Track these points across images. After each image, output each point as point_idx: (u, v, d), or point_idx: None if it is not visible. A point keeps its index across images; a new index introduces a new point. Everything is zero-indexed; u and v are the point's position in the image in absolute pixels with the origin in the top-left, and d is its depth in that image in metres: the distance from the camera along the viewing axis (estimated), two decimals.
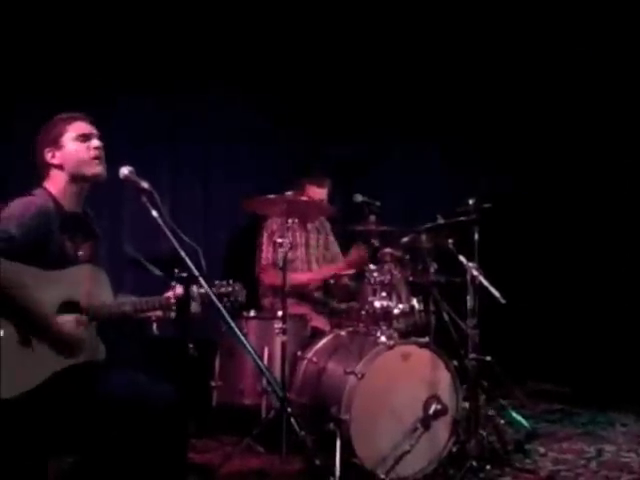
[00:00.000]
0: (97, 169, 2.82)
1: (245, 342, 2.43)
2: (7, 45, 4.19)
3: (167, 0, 4.86)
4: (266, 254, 4.80)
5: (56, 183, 2.81)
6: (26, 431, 2.50)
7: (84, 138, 2.82)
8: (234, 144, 5.29)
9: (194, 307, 2.80)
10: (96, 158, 2.82)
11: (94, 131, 2.86)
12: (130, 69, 4.72)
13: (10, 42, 4.20)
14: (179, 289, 2.86)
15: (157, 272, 3.47)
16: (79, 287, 2.71)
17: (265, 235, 4.83)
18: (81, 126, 2.84)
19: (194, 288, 2.77)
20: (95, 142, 2.83)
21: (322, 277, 4.77)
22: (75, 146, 2.80)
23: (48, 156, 2.81)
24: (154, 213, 2.64)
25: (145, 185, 2.71)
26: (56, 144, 2.81)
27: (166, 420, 2.62)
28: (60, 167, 2.80)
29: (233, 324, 2.43)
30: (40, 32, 4.30)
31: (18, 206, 2.67)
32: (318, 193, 4.84)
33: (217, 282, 3.09)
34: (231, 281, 3.14)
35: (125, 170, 2.76)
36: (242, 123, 5.29)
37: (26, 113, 4.22)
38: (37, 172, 2.85)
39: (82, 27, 4.46)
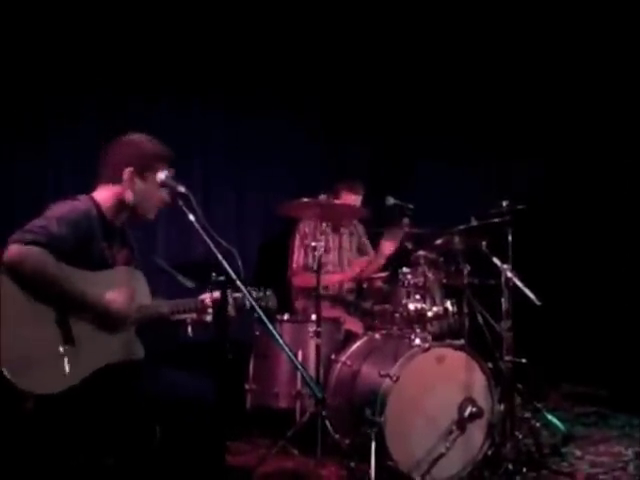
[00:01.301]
0: (150, 215, 2.90)
1: (282, 343, 2.43)
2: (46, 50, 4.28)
3: (205, 13, 4.93)
4: (297, 257, 4.81)
5: (109, 197, 2.82)
6: (66, 429, 2.54)
7: (163, 187, 2.83)
8: (267, 149, 5.32)
9: (229, 310, 2.82)
10: (157, 208, 2.89)
11: (171, 183, 2.84)
12: (165, 75, 4.79)
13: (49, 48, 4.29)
14: (216, 292, 2.88)
15: (188, 284, 3.49)
16: (117, 288, 2.75)
17: (297, 238, 4.84)
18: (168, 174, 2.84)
19: (229, 292, 2.78)
20: (166, 195, 2.86)
21: (353, 274, 4.78)
22: (154, 189, 2.83)
23: (126, 174, 2.80)
24: (191, 217, 2.65)
25: (182, 189, 2.72)
26: (141, 173, 2.82)
27: (205, 420, 2.64)
28: (126, 190, 2.82)
29: (270, 326, 2.44)
30: (76, 40, 4.38)
31: (62, 207, 2.69)
32: (352, 199, 4.82)
33: (248, 288, 3.10)
34: (262, 287, 3.17)
35: (162, 174, 2.79)
36: (275, 127, 5.33)
37: (58, 125, 4.34)
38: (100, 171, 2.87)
39: (118, 33, 4.53)
